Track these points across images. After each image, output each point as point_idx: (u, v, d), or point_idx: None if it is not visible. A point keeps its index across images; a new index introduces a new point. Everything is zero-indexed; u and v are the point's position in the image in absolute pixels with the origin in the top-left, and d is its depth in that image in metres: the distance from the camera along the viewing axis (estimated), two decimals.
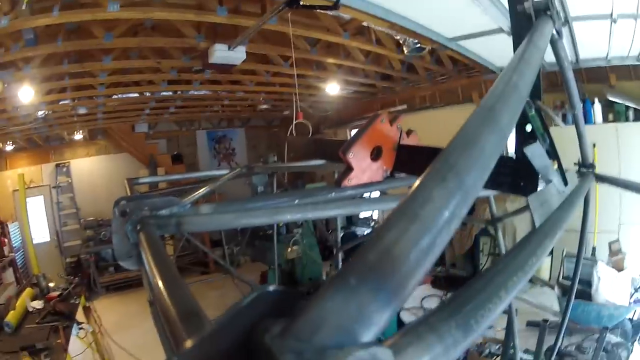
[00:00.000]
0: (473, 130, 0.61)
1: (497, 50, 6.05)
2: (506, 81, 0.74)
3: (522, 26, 1.09)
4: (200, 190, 2.18)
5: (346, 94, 10.64)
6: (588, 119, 6.99)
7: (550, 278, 6.27)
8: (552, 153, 1.17)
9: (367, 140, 1.71)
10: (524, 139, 1.18)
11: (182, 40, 6.09)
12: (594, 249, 6.68)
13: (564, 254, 6.28)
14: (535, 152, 1.04)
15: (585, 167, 1.69)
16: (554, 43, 1.17)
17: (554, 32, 1.13)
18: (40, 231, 12.02)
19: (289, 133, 6.40)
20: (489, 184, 1.15)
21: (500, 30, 4.88)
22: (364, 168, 1.69)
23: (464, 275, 7.21)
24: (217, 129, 14.95)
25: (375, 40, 6.86)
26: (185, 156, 13.89)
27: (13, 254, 10.59)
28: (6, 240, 10.50)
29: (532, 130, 1.17)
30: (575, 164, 1.74)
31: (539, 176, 1.13)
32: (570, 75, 1.33)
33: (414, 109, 9.86)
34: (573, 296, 1.97)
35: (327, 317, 0.36)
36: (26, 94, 6.92)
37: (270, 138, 15.73)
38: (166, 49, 6.75)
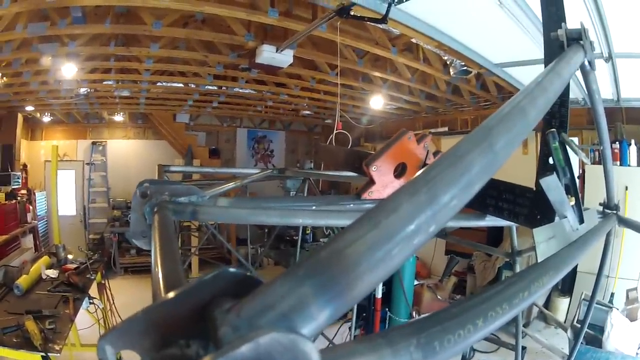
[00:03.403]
0: (463, 149, 0.57)
1: None
2: (514, 104, 0.70)
3: (553, 53, 1.05)
4: (224, 186, 2.22)
5: (389, 110, 10.59)
6: (623, 160, 6.84)
7: (566, 320, 6.10)
8: (572, 188, 1.13)
9: (392, 156, 1.70)
10: (544, 170, 1.14)
11: (231, 37, 6.14)
12: (612, 295, 6.49)
13: (582, 296, 6.11)
14: (551, 185, 1.00)
15: (609, 208, 1.64)
16: (585, 74, 1.13)
17: (586, 62, 1.09)
18: (67, 204, 12.18)
19: (328, 142, 6.39)
20: (506, 215, 1.12)
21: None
22: (385, 183, 1.67)
23: None
24: (258, 128, 15.05)
25: (423, 59, 6.81)
26: (222, 152, 14.01)
27: (36, 221, 10.82)
28: (31, 207, 10.72)
29: (553, 162, 1.13)
30: (600, 204, 1.69)
31: (555, 211, 1.09)
32: (600, 109, 1.28)
33: (455, 132, 9.74)
34: (579, 342, 1.90)
35: (271, 302, 0.37)
36: (69, 70, 7.06)
37: (310, 144, 15.76)
38: (214, 43, 6.82)
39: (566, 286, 7.03)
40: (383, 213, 0.45)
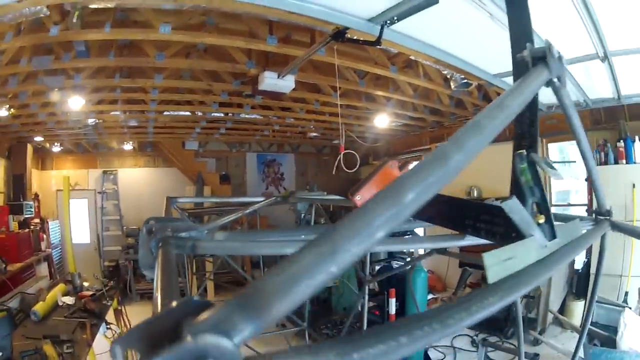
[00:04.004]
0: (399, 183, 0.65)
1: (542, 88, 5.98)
2: (472, 122, 0.76)
3: (520, 74, 1.09)
4: (226, 217, 2.33)
5: (395, 127, 10.65)
6: (629, 157, 6.82)
7: (586, 323, 6.05)
8: (542, 206, 1.16)
9: (376, 185, 1.76)
10: (516, 189, 1.19)
11: (233, 65, 6.24)
12: (626, 294, 6.46)
13: (596, 298, 6.05)
14: (512, 208, 1.03)
15: (601, 214, 1.67)
16: (555, 90, 1.17)
17: (555, 80, 1.13)
18: (81, 233, 12.32)
19: (336, 164, 6.45)
20: (484, 234, 1.15)
21: None
22: None
23: (497, 317, 7.00)
24: (267, 152, 15.16)
25: (423, 75, 6.87)
26: (233, 177, 14.08)
27: (50, 249, 10.93)
28: (44, 236, 10.85)
29: (523, 183, 1.17)
30: (592, 211, 1.73)
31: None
32: (576, 122, 1.31)
33: None
34: (582, 341, 1.93)
35: (214, 319, 0.52)
36: (76, 102, 7.23)
37: (319, 165, 15.83)
38: (218, 72, 6.93)
39: (580, 289, 6.99)
40: (288, 262, 0.58)
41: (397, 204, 0.65)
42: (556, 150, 8.43)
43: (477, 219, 1.16)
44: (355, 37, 4.32)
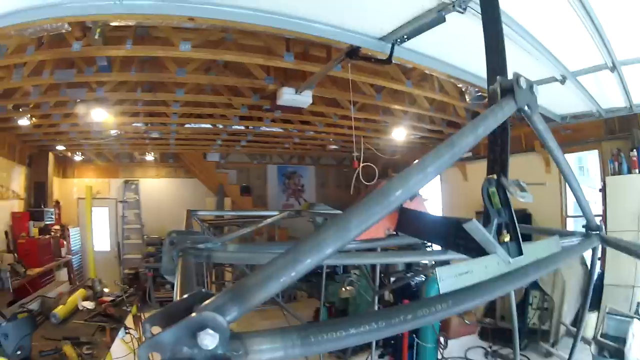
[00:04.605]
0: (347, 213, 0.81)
1: (555, 98, 6.01)
2: (448, 140, 0.95)
3: (492, 104, 1.20)
4: (239, 232, 2.52)
5: (413, 139, 10.72)
6: None
7: (594, 334, 6.04)
8: (510, 226, 1.26)
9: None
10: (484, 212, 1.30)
11: (252, 80, 6.40)
12: (638, 304, 6.43)
13: (606, 309, 6.05)
14: (472, 229, 1.12)
15: (590, 229, 1.75)
16: (527, 117, 1.27)
17: (526, 107, 1.23)
18: (101, 240, 12.67)
19: (354, 178, 6.55)
20: (462, 249, 1.26)
21: (553, 79, 4.88)
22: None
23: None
24: (287, 164, 15.31)
25: (439, 88, 6.96)
26: (254, 188, 14.26)
27: (70, 256, 11.30)
28: (65, 242, 11.17)
29: (491, 205, 1.28)
30: (582, 226, 1.81)
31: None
32: (553, 145, 1.42)
33: (480, 157, 9.78)
34: (576, 346, 2.02)
35: (213, 304, 0.74)
36: (99, 114, 7.44)
37: (340, 177, 15.91)
38: (238, 86, 7.10)
39: (593, 301, 6.96)
40: (264, 267, 0.81)
41: (343, 229, 0.84)
42: (574, 160, 8.40)
43: (456, 235, 1.26)
44: (368, 55, 4.43)
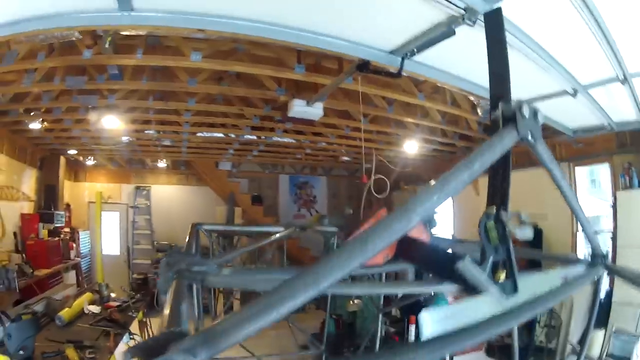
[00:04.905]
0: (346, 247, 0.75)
1: (566, 112, 5.90)
2: (458, 166, 0.94)
3: (494, 131, 1.15)
4: (237, 251, 2.54)
5: (426, 152, 10.64)
6: None
7: (600, 354, 5.91)
8: (507, 263, 1.19)
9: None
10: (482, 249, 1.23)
11: (263, 92, 6.40)
12: None
13: (613, 329, 5.91)
14: (465, 269, 1.06)
15: (595, 258, 1.68)
16: (531, 146, 1.21)
17: (529, 137, 1.17)
18: (111, 244, 12.79)
19: (366, 190, 6.50)
20: (448, 277, 1.20)
21: (564, 92, 4.79)
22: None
23: (519, 346, 6.90)
24: (299, 174, 15.28)
25: (451, 101, 6.89)
26: (265, 198, 14.21)
27: (79, 259, 11.40)
28: (74, 245, 11.29)
29: (489, 240, 1.21)
30: (589, 254, 1.74)
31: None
32: (557, 174, 1.35)
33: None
34: None
35: (189, 344, 0.76)
36: (110, 121, 7.50)
37: (352, 188, 15.86)
38: (250, 97, 7.09)
39: (601, 319, 6.83)
40: (239, 312, 0.82)
41: (341, 265, 0.80)
42: (586, 174, 8.26)
43: (452, 269, 1.20)
44: (379, 68, 4.38)
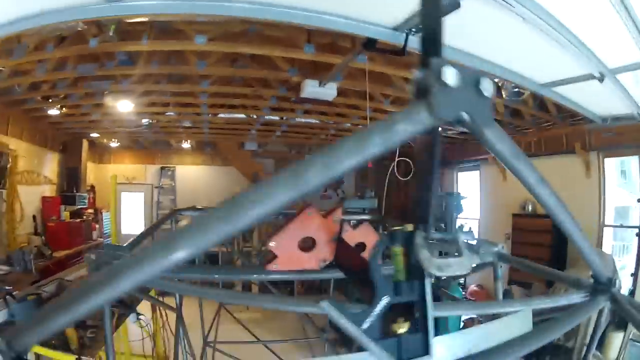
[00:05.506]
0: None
1: (594, 98, 5.51)
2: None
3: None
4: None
5: (452, 134, 10.29)
6: None
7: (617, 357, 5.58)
8: (420, 309, 0.87)
9: (293, 232, 1.76)
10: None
11: (276, 73, 6.20)
12: None
13: (630, 335, 5.57)
14: (329, 311, 0.79)
15: (598, 284, 1.29)
16: (473, 132, 0.79)
17: (465, 117, 0.73)
18: (136, 224, 12.83)
19: (389, 171, 6.31)
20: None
21: (591, 76, 4.43)
22: (291, 256, 1.75)
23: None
24: None
25: None
26: None
27: (102, 239, 11.53)
28: (97, 225, 11.52)
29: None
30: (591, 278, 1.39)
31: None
32: (526, 173, 0.97)
33: None
34: None
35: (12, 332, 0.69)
36: (125, 106, 7.51)
37: (379, 169, 15.55)
38: (266, 78, 6.91)
39: (622, 319, 6.45)
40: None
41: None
42: (616, 166, 7.79)
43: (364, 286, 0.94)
44: (382, 48, 4.14)
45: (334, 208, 1.89)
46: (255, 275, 1.89)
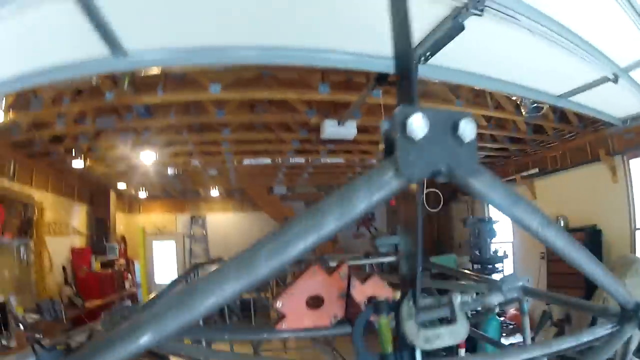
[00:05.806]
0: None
1: (611, 101, 5.32)
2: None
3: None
4: None
5: (480, 158, 10.11)
6: None
7: None
8: None
9: (299, 291, 1.73)
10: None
11: (293, 115, 6.22)
12: None
13: None
14: None
15: (625, 310, 1.15)
16: (459, 184, 0.71)
17: (443, 169, 0.68)
18: (169, 273, 12.79)
19: (419, 207, 6.20)
20: None
21: (605, 79, 4.30)
22: (300, 315, 1.71)
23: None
24: None
25: (495, 106, 6.45)
26: None
27: (135, 288, 11.58)
28: (129, 275, 11.54)
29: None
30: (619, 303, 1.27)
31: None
32: (520, 214, 0.92)
33: (545, 172, 8.99)
34: None
35: None
36: (149, 157, 7.55)
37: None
38: (286, 122, 6.94)
39: None
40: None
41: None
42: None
43: None
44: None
45: (339, 264, 1.85)
46: (265, 335, 1.88)
